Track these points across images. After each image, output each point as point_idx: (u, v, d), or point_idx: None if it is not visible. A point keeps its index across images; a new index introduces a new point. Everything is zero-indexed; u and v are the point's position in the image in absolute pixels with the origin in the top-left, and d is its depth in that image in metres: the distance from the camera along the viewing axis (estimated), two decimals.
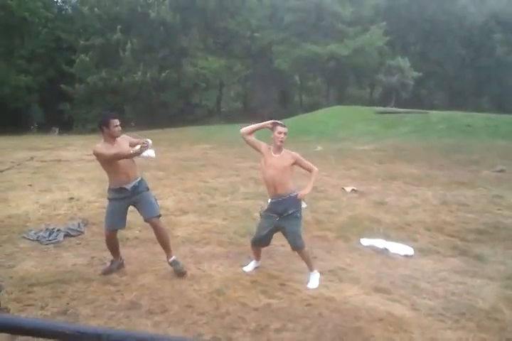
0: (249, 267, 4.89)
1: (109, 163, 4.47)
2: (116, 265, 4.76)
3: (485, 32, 43.61)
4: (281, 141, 4.50)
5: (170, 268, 4.84)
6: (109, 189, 4.61)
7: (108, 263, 4.79)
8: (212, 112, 40.50)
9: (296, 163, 4.56)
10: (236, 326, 3.69)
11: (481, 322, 3.79)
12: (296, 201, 4.51)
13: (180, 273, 4.70)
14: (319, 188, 9.07)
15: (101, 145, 4.49)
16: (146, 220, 4.70)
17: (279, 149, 4.55)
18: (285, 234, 4.62)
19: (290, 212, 4.46)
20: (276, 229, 4.60)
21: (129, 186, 4.54)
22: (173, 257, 4.76)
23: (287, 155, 4.54)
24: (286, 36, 37.93)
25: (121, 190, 4.53)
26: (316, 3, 37.09)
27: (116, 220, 4.62)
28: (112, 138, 4.55)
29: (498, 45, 42.28)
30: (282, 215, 4.48)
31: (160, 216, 4.74)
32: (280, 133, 4.49)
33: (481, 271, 4.92)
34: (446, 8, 43.23)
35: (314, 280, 4.58)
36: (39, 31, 35.50)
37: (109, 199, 4.63)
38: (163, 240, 4.75)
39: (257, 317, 3.83)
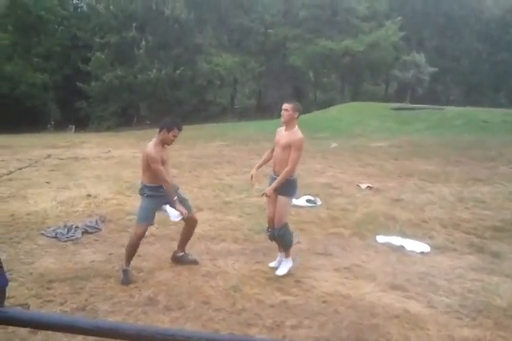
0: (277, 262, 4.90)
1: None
2: (130, 274, 4.59)
3: (502, 26, 43.00)
4: (283, 118, 4.51)
5: (186, 265, 4.88)
6: (145, 186, 4.58)
7: (121, 274, 4.56)
8: (227, 109, 40.55)
9: (289, 146, 4.48)
10: (252, 322, 3.71)
11: (499, 319, 3.77)
12: (287, 184, 4.52)
13: (195, 262, 4.94)
14: (334, 185, 9.06)
15: (155, 148, 4.49)
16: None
17: (286, 126, 4.56)
18: None
19: (279, 192, 4.55)
20: None
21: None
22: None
23: (292, 135, 4.48)
24: (300, 32, 37.77)
25: (157, 188, 4.53)
26: None
27: (151, 217, 4.62)
28: (163, 142, 4.57)
29: None
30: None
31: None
32: (282, 109, 4.52)
33: (498, 268, 4.88)
34: (462, 2, 42.71)
35: (284, 268, 4.72)
36: (55, 29, 35.87)
37: (145, 195, 4.57)
38: (189, 236, 4.96)
39: (273, 314, 3.85)
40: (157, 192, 4.56)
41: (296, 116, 4.49)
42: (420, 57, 38.19)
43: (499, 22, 43.40)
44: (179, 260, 4.96)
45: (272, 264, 4.88)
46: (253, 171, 4.89)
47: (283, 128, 4.63)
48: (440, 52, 43.02)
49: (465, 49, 43.37)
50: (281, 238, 4.72)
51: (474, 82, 45.22)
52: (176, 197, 4.51)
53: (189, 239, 4.98)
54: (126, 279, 4.48)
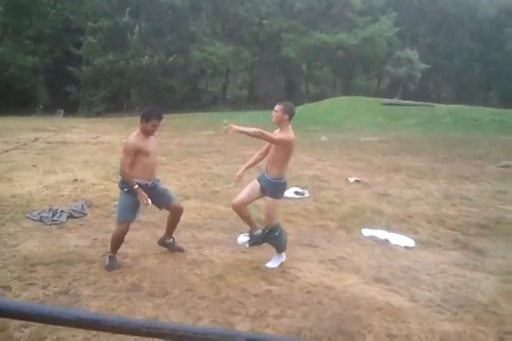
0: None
1: (141, 155, 4.38)
2: (115, 260, 4.54)
3: (496, 25, 43.23)
4: (273, 119, 4.51)
5: (171, 252, 4.87)
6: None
7: (106, 260, 4.51)
8: (218, 99, 40.40)
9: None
10: (236, 311, 3.72)
11: (479, 314, 3.81)
12: (276, 186, 4.54)
13: (181, 249, 4.94)
14: (322, 178, 9.09)
15: (135, 138, 4.39)
16: (168, 206, 4.74)
17: (279, 127, 4.54)
18: None
19: (267, 193, 4.58)
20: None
21: (149, 182, 4.51)
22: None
23: (281, 134, 4.45)
24: (295, 24, 37.64)
25: (141, 184, 4.41)
26: None
27: (133, 213, 4.50)
28: (145, 133, 4.44)
29: (508, 40, 41.90)
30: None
31: None
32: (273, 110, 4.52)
33: (481, 264, 4.93)
34: (457, 0, 42.77)
35: (276, 262, 4.72)
36: (47, 12, 35.33)
37: (125, 190, 4.41)
38: (176, 223, 4.91)
39: (257, 303, 3.86)
40: (144, 186, 4.47)
41: (285, 117, 4.42)
42: (413, 54, 38.30)
43: (493, 21, 43.62)
44: (167, 246, 4.93)
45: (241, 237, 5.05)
46: (240, 172, 4.80)
47: (278, 129, 4.57)
48: (433, 49, 43.18)
49: (458, 47, 43.57)
50: (275, 239, 4.71)
51: (465, 81, 45.50)
52: (136, 186, 4.32)
53: (175, 226, 4.93)
54: (111, 265, 4.45)
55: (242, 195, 4.68)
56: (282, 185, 4.57)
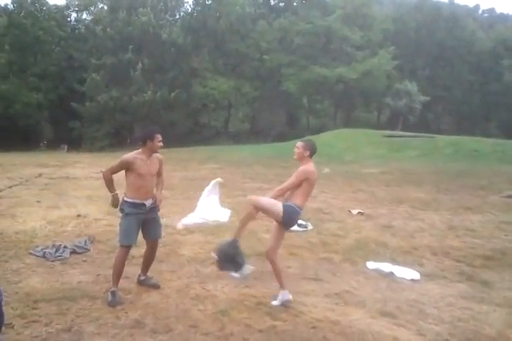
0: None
1: (134, 174, 4.50)
2: (118, 296, 4.49)
3: (493, 57, 44.03)
4: (295, 155, 4.60)
5: (175, 288, 4.83)
6: (124, 202, 4.53)
7: (109, 296, 4.46)
8: (220, 132, 40.78)
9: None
10: None
11: None
12: (290, 213, 4.47)
13: (156, 286, 4.85)
14: (326, 210, 9.08)
15: (133, 155, 4.52)
16: (150, 240, 4.80)
17: (300, 163, 4.58)
18: None
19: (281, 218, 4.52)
20: None
21: (147, 202, 4.57)
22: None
23: (300, 168, 4.51)
24: (295, 59, 38.37)
25: (139, 205, 4.51)
26: (325, 27, 37.65)
27: (133, 236, 4.57)
28: (151, 152, 4.62)
29: (506, 71, 42.57)
30: None
31: None
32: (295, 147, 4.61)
33: (488, 297, 4.87)
34: (454, 34, 43.73)
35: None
36: (52, 50, 36.28)
37: (126, 214, 4.52)
38: (153, 259, 4.93)
39: (262, 339, 3.80)
40: (137, 209, 4.52)
41: (306, 154, 4.53)
42: (412, 86, 38.83)
43: (490, 53, 44.45)
44: (141, 283, 4.89)
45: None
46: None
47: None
48: (432, 81, 43.83)
49: (457, 79, 44.22)
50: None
51: (465, 112, 45.96)
52: (116, 192, 4.52)
53: (151, 262, 4.91)
54: (114, 300, 4.40)
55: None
56: (294, 211, 4.46)
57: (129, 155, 4.53)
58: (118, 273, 4.56)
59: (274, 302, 4.51)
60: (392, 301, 4.68)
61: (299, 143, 4.59)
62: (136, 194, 4.53)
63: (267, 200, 4.49)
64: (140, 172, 4.51)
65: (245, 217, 4.56)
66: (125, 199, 4.54)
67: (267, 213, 4.57)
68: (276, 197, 4.66)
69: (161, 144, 4.64)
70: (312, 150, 4.56)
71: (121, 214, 4.60)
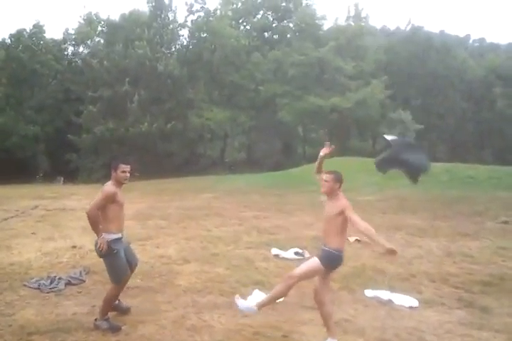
0: None
1: (116, 206, 4.47)
2: (111, 323, 4.52)
3: (485, 86, 44.72)
4: (323, 188, 4.34)
5: (170, 318, 4.78)
6: (113, 240, 4.44)
7: (105, 324, 4.48)
8: (216, 162, 40.89)
9: (341, 213, 4.16)
10: None
11: None
12: (328, 256, 4.17)
13: (128, 310, 4.91)
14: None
15: (112, 186, 4.48)
16: (131, 266, 4.74)
17: (328, 197, 4.35)
18: None
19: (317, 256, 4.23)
20: None
21: (123, 233, 4.63)
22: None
23: (337, 203, 4.25)
24: (289, 89, 38.87)
25: (119, 239, 4.53)
26: (318, 58, 38.31)
27: (126, 269, 4.59)
28: (118, 183, 4.54)
29: (498, 99, 43.21)
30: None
31: None
32: (323, 180, 4.36)
33: (488, 323, 4.83)
34: (446, 63, 44.50)
35: None
36: (49, 83, 36.71)
37: (114, 252, 4.43)
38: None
39: None
40: (120, 243, 4.54)
41: (337, 186, 4.31)
42: (406, 115, 39.24)
43: (482, 82, 45.18)
44: (116, 309, 4.84)
45: None
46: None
47: (326, 198, 4.43)
48: (425, 110, 44.33)
49: (450, 107, 44.77)
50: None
51: (459, 140, 46.34)
52: (103, 235, 4.40)
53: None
54: (114, 325, 4.43)
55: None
56: (335, 256, 4.19)
57: (110, 187, 4.47)
58: (110, 307, 4.60)
59: None
60: (391, 329, 4.64)
61: (328, 176, 4.33)
62: (119, 226, 4.53)
63: (302, 268, 4.18)
64: (122, 203, 4.54)
65: (283, 290, 4.20)
66: (111, 236, 4.45)
67: (311, 276, 4.29)
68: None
69: (125, 175, 4.52)
70: (341, 182, 4.35)
71: (108, 256, 4.46)
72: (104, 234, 4.41)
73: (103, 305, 4.54)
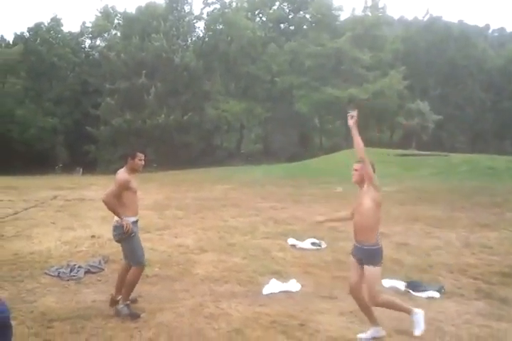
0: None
1: (130, 192, 4.61)
2: (131, 310, 4.62)
3: (505, 75, 43.94)
4: (353, 178, 4.14)
5: (188, 306, 4.82)
6: (132, 223, 4.58)
7: (125, 310, 4.56)
8: (233, 154, 40.96)
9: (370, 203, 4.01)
10: None
11: None
12: (371, 254, 4.05)
13: (135, 300, 4.91)
14: (340, 228, 9.01)
15: (125, 174, 4.63)
16: None
17: (360, 186, 4.14)
18: None
19: (364, 262, 4.09)
20: None
21: (136, 218, 4.72)
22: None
23: (369, 192, 4.04)
24: (306, 80, 38.65)
25: (136, 222, 4.69)
26: (335, 49, 37.98)
27: (143, 253, 4.73)
28: (133, 170, 4.71)
29: None
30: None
31: None
32: (352, 169, 4.16)
33: (507, 314, 4.78)
34: (465, 52, 43.81)
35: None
36: (67, 75, 37.09)
37: (134, 233, 4.57)
38: (126, 275, 4.80)
39: None
40: (136, 225, 4.68)
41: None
42: (424, 105, 38.81)
43: (502, 72, 44.39)
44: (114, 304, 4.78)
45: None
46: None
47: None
48: (444, 100, 43.76)
49: (469, 97, 44.12)
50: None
51: (479, 130, 45.71)
52: (126, 219, 4.49)
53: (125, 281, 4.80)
54: (133, 312, 4.54)
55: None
56: (377, 250, 4.06)
57: (124, 175, 4.62)
58: (132, 289, 4.67)
59: (360, 335, 4.19)
60: (408, 319, 4.60)
61: (357, 165, 4.10)
62: (134, 211, 4.66)
63: (369, 285, 4.07)
64: (135, 189, 4.67)
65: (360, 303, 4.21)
66: (130, 219, 4.55)
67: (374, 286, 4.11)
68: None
69: (141, 163, 4.72)
70: (373, 171, 4.07)
71: (126, 239, 4.55)
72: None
73: (126, 289, 4.64)
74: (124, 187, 4.55)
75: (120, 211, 4.51)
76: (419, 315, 4.20)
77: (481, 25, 60.76)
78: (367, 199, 4.00)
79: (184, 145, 35.54)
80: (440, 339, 4.17)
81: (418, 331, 4.17)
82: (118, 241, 4.64)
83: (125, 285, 4.66)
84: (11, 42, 39.30)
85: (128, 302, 4.60)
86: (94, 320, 4.41)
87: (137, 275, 4.66)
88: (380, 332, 4.19)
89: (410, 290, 5.46)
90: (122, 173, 4.63)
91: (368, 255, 4.04)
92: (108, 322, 4.38)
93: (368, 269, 4.04)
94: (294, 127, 42.17)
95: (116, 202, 4.51)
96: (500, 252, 7.29)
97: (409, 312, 4.23)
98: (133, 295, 4.84)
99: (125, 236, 4.51)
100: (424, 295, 5.36)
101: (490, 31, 62.68)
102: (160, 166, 28.24)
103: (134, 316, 4.49)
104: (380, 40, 40.90)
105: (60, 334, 4.08)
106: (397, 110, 40.25)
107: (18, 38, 38.14)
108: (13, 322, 3.76)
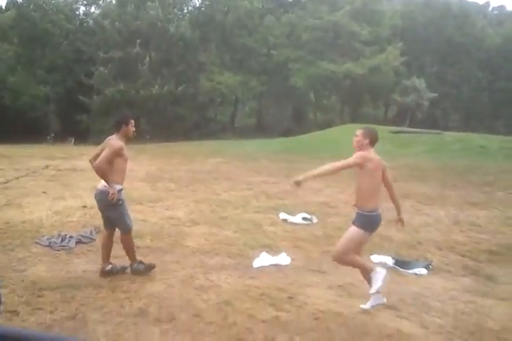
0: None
1: (122, 159, 4.65)
2: (145, 264, 4.92)
3: (503, 55, 43.62)
4: (353, 144, 4.29)
5: (179, 278, 4.86)
6: (118, 190, 4.61)
7: (141, 266, 4.90)
8: (227, 127, 40.77)
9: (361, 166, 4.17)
10: (243, 337, 3.68)
11: None
12: (361, 217, 4.20)
13: (124, 268, 5.02)
14: (331, 204, 9.08)
15: (118, 141, 4.66)
16: None
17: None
18: None
19: (354, 222, 4.25)
20: None
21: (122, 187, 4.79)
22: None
23: (358, 153, 4.22)
24: (302, 54, 38.19)
25: (121, 190, 4.72)
26: (333, 22, 37.43)
27: (130, 218, 4.85)
28: (126, 137, 4.76)
29: None
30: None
31: None
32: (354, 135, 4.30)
33: (492, 291, 4.86)
34: (463, 30, 43.38)
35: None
36: (60, 43, 36.32)
37: (122, 200, 4.66)
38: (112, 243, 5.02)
39: (265, 329, 3.81)
40: (121, 192, 4.72)
41: (366, 141, 4.19)
42: (420, 83, 38.62)
43: (499, 50, 44.03)
44: (110, 273, 4.85)
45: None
46: (298, 178, 4.35)
47: None
48: (440, 78, 43.51)
49: (465, 76, 43.89)
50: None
51: (473, 109, 45.64)
52: (113, 186, 4.53)
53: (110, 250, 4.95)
54: (149, 265, 4.89)
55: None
56: (369, 217, 4.20)
57: (117, 141, 4.64)
58: (134, 250, 4.90)
59: (363, 306, 4.25)
60: (395, 294, 4.68)
61: (358, 131, 4.25)
62: (121, 179, 4.70)
63: (342, 246, 4.19)
64: (127, 157, 4.71)
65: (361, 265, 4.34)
66: (116, 186, 4.57)
67: (359, 247, 4.28)
68: (319, 176, 4.54)
69: (133, 129, 4.79)
70: (372, 138, 4.21)
71: (113, 206, 4.61)
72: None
73: (127, 252, 4.86)
74: (118, 154, 4.58)
75: (110, 177, 4.52)
76: (379, 274, 4.24)
77: (481, 2, 59.96)
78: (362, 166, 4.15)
79: (177, 118, 35.28)
80: (426, 314, 4.24)
81: (373, 289, 4.22)
82: (103, 207, 4.68)
83: (126, 252, 4.87)
84: (3, 7, 38.34)
85: (138, 259, 4.86)
86: (85, 290, 4.44)
87: (130, 240, 4.82)
88: (381, 299, 4.26)
89: (398, 267, 5.52)
90: (115, 140, 4.65)
91: (359, 218, 4.21)
92: (99, 293, 4.41)
93: (352, 228, 4.19)
94: (288, 102, 41.92)
95: (108, 168, 4.52)
96: (488, 230, 7.38)
97: (371, 270, 4.30)
98: (123, 264, 4.95)
99: (111, 203, 4.54)
100: (411, 271, 5.43)
101: (490, 9, 61.74)
102: (153, 138, 28.11)
103: (151, 267, 4.87)
104: (379, 14, 40.29)
105: (50, 303, 4.10)
106: (392, 86, 40.02)
107: (11, 3, 37.13)
108: (3, 291, 3.80)
